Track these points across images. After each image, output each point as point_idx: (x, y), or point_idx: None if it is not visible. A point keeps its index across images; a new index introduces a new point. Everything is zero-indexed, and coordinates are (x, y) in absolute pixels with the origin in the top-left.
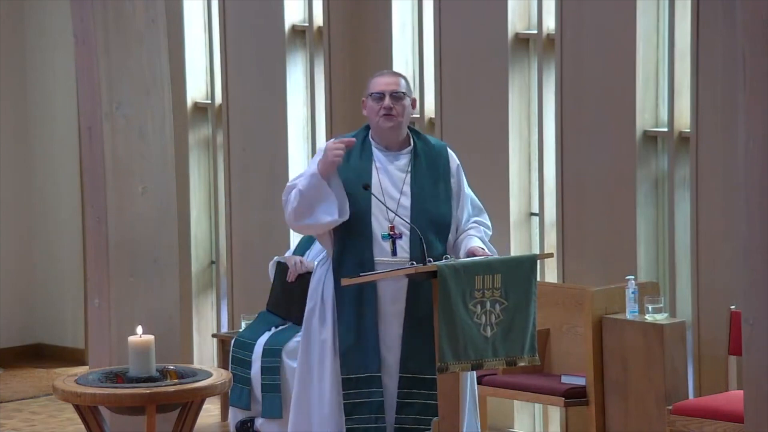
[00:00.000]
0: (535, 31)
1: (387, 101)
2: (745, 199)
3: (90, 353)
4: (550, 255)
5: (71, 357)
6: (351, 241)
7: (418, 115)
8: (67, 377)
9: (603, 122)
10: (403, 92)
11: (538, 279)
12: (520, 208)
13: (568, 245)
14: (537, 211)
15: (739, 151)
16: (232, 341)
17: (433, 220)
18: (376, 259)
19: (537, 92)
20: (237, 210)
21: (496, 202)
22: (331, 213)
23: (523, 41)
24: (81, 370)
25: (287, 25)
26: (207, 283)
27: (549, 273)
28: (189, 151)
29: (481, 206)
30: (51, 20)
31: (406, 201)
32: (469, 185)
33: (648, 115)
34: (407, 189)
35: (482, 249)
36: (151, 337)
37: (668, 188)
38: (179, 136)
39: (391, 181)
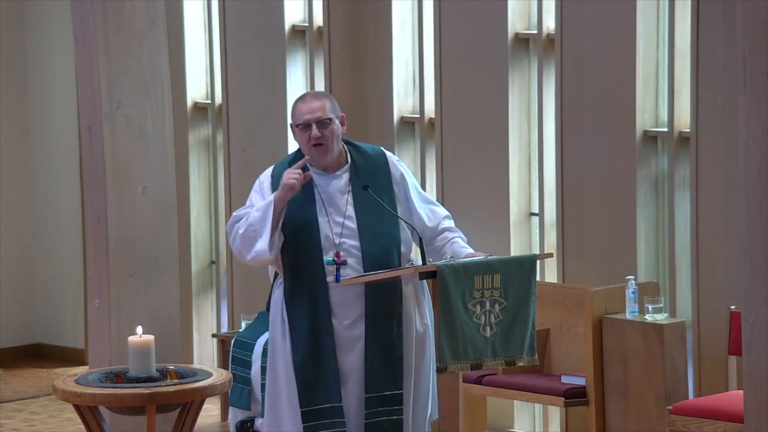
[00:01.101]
0: (535, 31)
1: (314, 131)
2: (745, 199)
3: (90, 353)
4: (550, 255)
5: (71, 357)
6: (302, 267)
7: (418, 115)
8: (67, 377)
9: (603, 122)
10: (329, 117)
11: (538, 279)
12: (520, 208)
13: (568, 245)
14: (537, 211)
15: (739, 151)
16: (232, 341)
17: (381, 240)
18: (330, 284)
19: (537, 92)
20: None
21: (496, 202)
22: (263, 247)
23: (523, 41)
24: (81, 370)
25: (287, 25)
26: (207, 283)
27: (549, 273)
28: (189, 151)
29: (434, 201)
30: (51, 20)
31: (351, 223)
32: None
33: (648, 115)
34: (351, 211)
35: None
36: (151, 337)
37: (668, 188)
38: (179, 136)
39: (333, 204)
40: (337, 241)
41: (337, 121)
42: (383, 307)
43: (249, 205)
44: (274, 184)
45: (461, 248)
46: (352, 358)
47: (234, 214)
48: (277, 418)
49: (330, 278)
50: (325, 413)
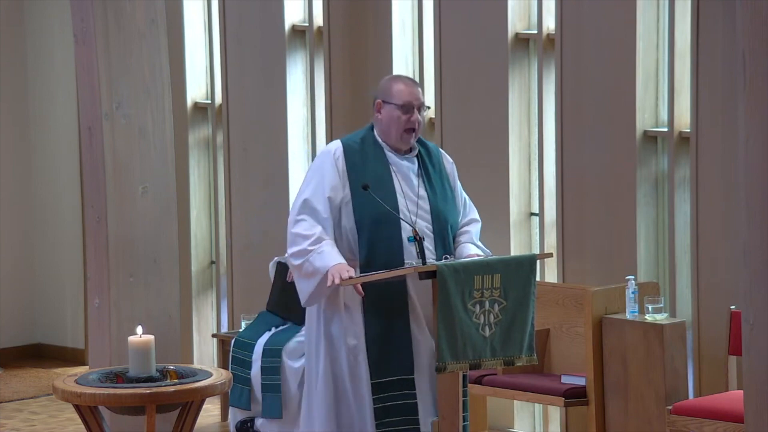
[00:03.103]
0: (535, 31)
1: (416, 115)
2: (745, 199)
3: (90, 353)
4: (550, 255)
5: (71, 357)
6: (380, 245)
7: None
8: (67, 377)
9: (603, 122)
10: (427, 106)
11: (538, 279)
12: (520, 208)
13: (568, 245)
14: (537, 211)
15: (739, 151)
16: (232, 341)
17: (448, 221)
18: (406, 262)
19: (537, 92)
20: (237, 210)
21: (496, 202)
22: (303, 294)
23: (523, 41)
24: (81, 370)
25: (287, 25)
26: (207, 283)
27: (549, 273)
28: (189, 151)
29: (469, 199)
30: (51, 20)
31: (425, 204)
32: (461, 184)
33: (648, 115)
34: (423, 192)
35: (479, 255)
36: (151, 337)
37: (668, 188)
38: (179, 136)
39: (408, 184)
40: (413, 218)
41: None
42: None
43: (318, 183)
44: (348, 161)
45: (463, 248)
46: (426, 333)
47: (304, 198)
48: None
49: (408, 254)
50: (395, 385)
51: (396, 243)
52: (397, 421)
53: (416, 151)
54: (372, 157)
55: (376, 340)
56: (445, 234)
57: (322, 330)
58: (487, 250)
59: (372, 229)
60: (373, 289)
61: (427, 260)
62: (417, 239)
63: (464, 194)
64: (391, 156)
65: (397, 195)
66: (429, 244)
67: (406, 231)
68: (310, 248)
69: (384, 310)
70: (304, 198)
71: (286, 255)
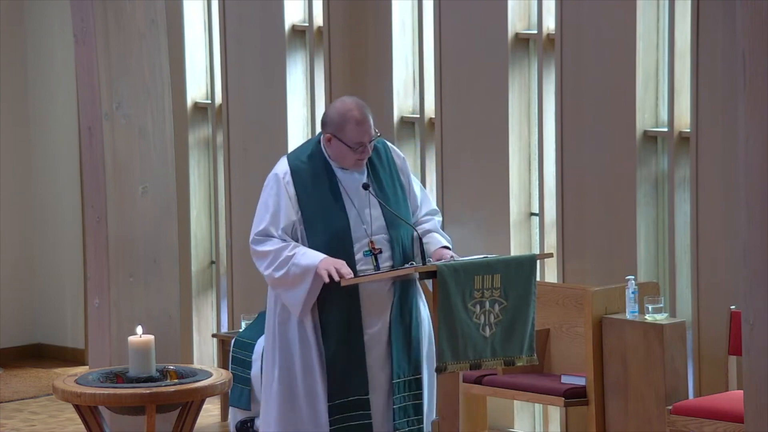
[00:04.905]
0: (535, 31)
1: (368, 149)
2: (745, 199)
3: (90, 353)
4: (550, 255)
5: (71, 357)
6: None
7: (418, 116)
8: (67, 377)
9: (603, 122)
10: (377, 134)
11: (538, 279)
12: (520, 208)
13: (568, 245)
14: (537, 211)
15: (739, 151)
16: (232, 341)
17: (402, 227)
18: (360, 275)
19: (537, 92)
20: (237, 210)
21: (496, 202)
22: (294, 306)
23: (523, 41)
24: (81, 370)
25: (287, 25)
26: (207, 283)
27: (549, 273)
28: (189, 151)
29: (422, 185)
30: (51, 20)
31: (377, 212)
32: (416, 180)
33: (648, 115)
34: (374, 200)
35: (449, 251)
36: (151, 337)
37: (668, 188)
38: (179, 136)
39: (357, 197)
40: (368, 231)
41: None
42: (407, 293)
43: (272, 209)
44: (297, 181)
45: (431, 240)
46: (378, 351)
47: (263, 226)
48: (294, 417)
49: (364, 268)
50: (353, 405)
51: (349, 260)
52: None
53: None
54: (320, 175)
55: (333, 360)
56: (403, 239)
57: (278, 335)
58: (447, 237)
59: (325, 249)
60: (327, 304)
61: (381, 269)
62: (374, 253)
63: (417, 187)
64: (338, 171)
65: (348, 211)
66: (388, 251)
67: (362, 245)
68: (289, 254)
69: (337, 326)
70: (261, 228)
71: (265, 275)
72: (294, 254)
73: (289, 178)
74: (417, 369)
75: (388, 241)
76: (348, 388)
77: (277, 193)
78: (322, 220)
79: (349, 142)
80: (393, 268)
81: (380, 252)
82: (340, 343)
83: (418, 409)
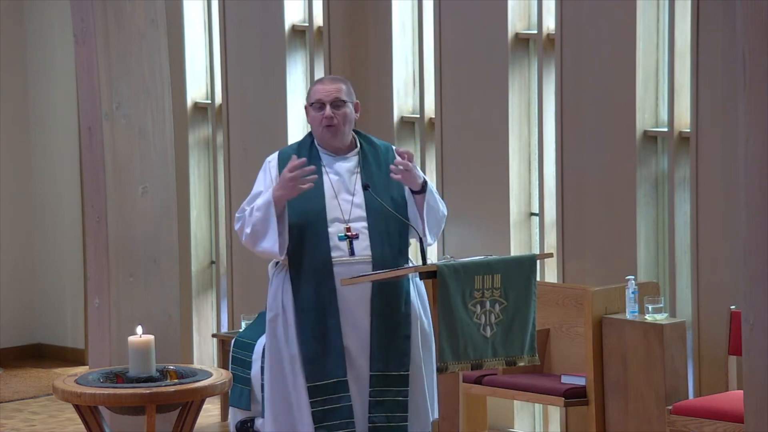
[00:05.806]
0: (535, 31)
1: (328, 111)
2: (745, 199)
3: (90, 353)
4: (550, 255)
5: (71, 357)
6: (308, 245)
7: (418, 115)
8: (67, 377)
9: (603, 122)
10: (343, 100)
11: (538, 279)
12: (520, 208)
13: (568, 245)
14: (537, 211)
15: (739, 151)
16: (232, 341)
17: (388, 218)
18: (334, 260)
19: (537, 92)
20: (237, 210)
21: (496, 202)
22: (273, 248)
23: (523, 41)
24: (81, 370)
25: (287, 25)
26: (207, 283)
27: (549, 273)
28: (189, 151)
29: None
30: (51, 20)
31: (359, 199)
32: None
33: (648, 115)
34: (359, 188)
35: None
36: (151, 337)
37: (668, 188)
38: (179, 136)
39: (342, 181)
40: (346, 217)
41: (351, 106)
42: (390, 286)
43: (255, 191)
44: (281, 166)
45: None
46: (360, 336)
47: (242, 205)
48: (284, 407)
49: (338, 253)
50: (330, 389)
51: (322, 241)
52: (336, 424)
53: (357, 150)
54: (304, 158)
55: (309, 342)
56: (388, 228)
57: (268, 333)
58: (441, 200)
59: (300, 228)
60: (305, 289)
61: (357, 256)
62: (349, 237)
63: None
64: (325, 157)
65: (326, 196)
66: (365, 243)
67: (338, 229)
68: (248, 208)
69: (314, 311)
70: (244, 207)
71: (246, 243)
72: (253, 206)
73: (275, 162)
74: (402, 365)
75: (366, 229)
76: (325, 370)
77: (263, 177)
78: (298, 199)
79: (310, 100)
80: (373, 258)
81: (356, 237)
82: (315, 323)
83: (401, 406)
